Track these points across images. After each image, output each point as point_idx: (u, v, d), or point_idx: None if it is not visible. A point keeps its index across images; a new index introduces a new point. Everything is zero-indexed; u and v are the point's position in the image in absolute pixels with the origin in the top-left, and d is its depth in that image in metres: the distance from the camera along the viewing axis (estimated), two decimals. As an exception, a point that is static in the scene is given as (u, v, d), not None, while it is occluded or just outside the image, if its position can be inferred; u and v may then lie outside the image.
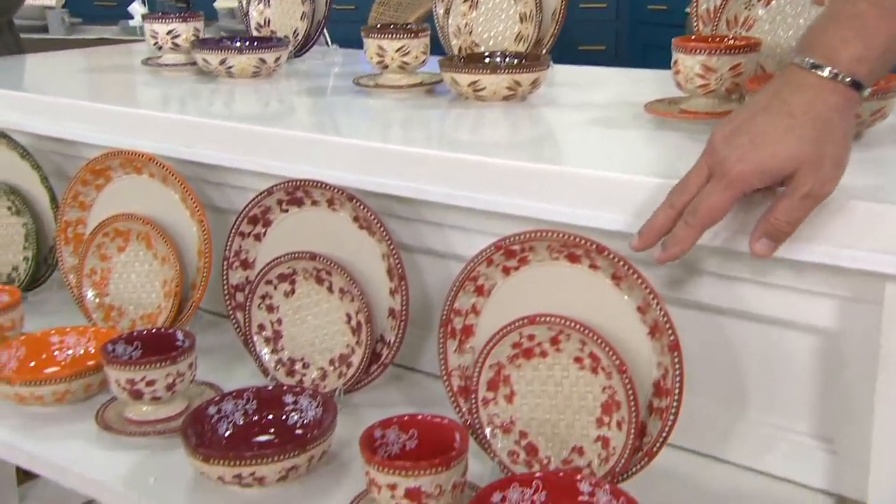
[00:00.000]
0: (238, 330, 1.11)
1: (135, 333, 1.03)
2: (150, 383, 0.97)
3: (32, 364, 1.08)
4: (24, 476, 1.70)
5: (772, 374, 0.86)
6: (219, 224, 1.18)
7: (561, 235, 0.84)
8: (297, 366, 1.08)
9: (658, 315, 0.80)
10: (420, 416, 0.85)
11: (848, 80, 0.71)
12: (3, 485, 1.65)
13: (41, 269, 1.35)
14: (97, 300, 1.22)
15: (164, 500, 0.87)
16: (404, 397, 1.06)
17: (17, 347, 1.08)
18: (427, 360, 1.11)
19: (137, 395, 0.97)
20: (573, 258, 0.86)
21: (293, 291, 1.08)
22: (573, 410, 0.87)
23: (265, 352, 1.09)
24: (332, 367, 1.06)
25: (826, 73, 0.71)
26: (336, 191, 1.02)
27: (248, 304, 1.09)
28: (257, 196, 1.07)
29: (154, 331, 1.04)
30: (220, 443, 0.93)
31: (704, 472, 0.88)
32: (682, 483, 0.86)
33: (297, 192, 1.06)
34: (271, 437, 0.95)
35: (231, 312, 1.11)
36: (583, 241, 0.83)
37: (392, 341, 1.03)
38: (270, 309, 1.09)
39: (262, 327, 1.09)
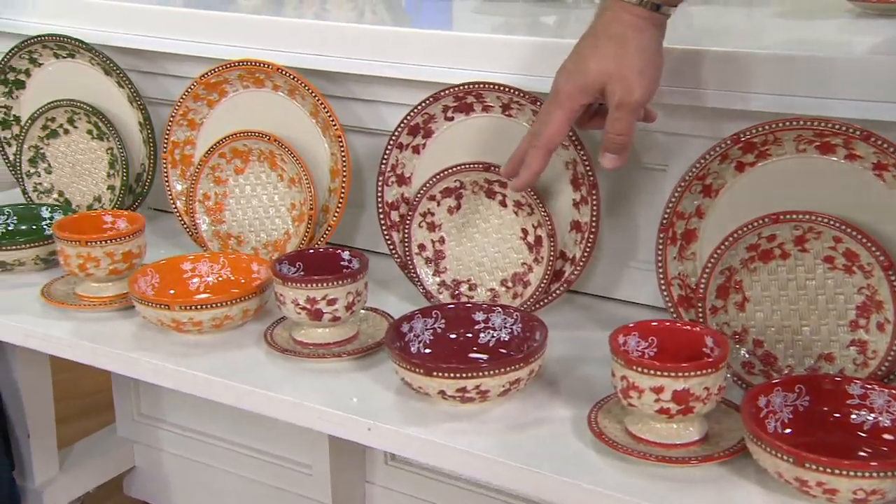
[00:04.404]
0: (393, 251, 1.02)
1: (296, 253, 0.94)
2: (332, 302, 0.87)
3: (172, 291, 0.97)
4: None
5: None
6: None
7: (817, 123, 0.78)
8: (463, 287, 0.99)
9: (935, 204, 0.75)
10: (668, 323, 0.79)
11: (645, 1, 0.77)
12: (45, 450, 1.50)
13: (126, 199, 1.23)
14: (212, 228, 1.11)
15: (376, 417, 0.78)
16: (581, 317, 0.99)
17: (152, 275, 0.97)
18: (592, 281, 1.04)
19: (316, 316, 0.87)
20: (826, 148, 0.80)
21: (458, 207, 0.99)
22: (819, 315, 0.81)
23: (426, 273, 1.00)
24: (503, 288, 0.98)
25: None
26: (515, 93, 0.94)
27: (407, 222, 0.99)
28: (421, 103, 0.98)
29: (321, 251, 0.94)
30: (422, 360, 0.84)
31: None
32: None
33: (467, 98, 0.97)
34: (479, 354, 0.86)
35: (385, 233, 1.02)
36: (843, 128, 0.77)
37: (577, 257, 0.95)
38: (432, 227, 1.00)
39: (422, 247, 1.00)
